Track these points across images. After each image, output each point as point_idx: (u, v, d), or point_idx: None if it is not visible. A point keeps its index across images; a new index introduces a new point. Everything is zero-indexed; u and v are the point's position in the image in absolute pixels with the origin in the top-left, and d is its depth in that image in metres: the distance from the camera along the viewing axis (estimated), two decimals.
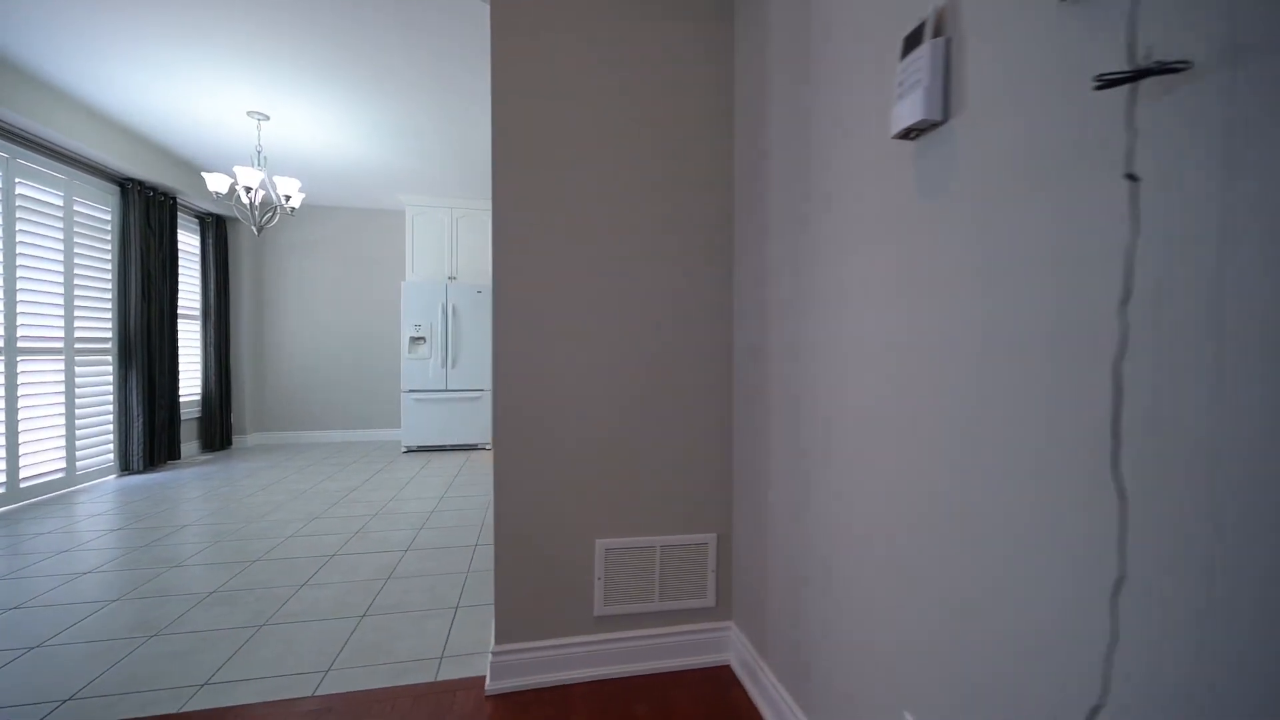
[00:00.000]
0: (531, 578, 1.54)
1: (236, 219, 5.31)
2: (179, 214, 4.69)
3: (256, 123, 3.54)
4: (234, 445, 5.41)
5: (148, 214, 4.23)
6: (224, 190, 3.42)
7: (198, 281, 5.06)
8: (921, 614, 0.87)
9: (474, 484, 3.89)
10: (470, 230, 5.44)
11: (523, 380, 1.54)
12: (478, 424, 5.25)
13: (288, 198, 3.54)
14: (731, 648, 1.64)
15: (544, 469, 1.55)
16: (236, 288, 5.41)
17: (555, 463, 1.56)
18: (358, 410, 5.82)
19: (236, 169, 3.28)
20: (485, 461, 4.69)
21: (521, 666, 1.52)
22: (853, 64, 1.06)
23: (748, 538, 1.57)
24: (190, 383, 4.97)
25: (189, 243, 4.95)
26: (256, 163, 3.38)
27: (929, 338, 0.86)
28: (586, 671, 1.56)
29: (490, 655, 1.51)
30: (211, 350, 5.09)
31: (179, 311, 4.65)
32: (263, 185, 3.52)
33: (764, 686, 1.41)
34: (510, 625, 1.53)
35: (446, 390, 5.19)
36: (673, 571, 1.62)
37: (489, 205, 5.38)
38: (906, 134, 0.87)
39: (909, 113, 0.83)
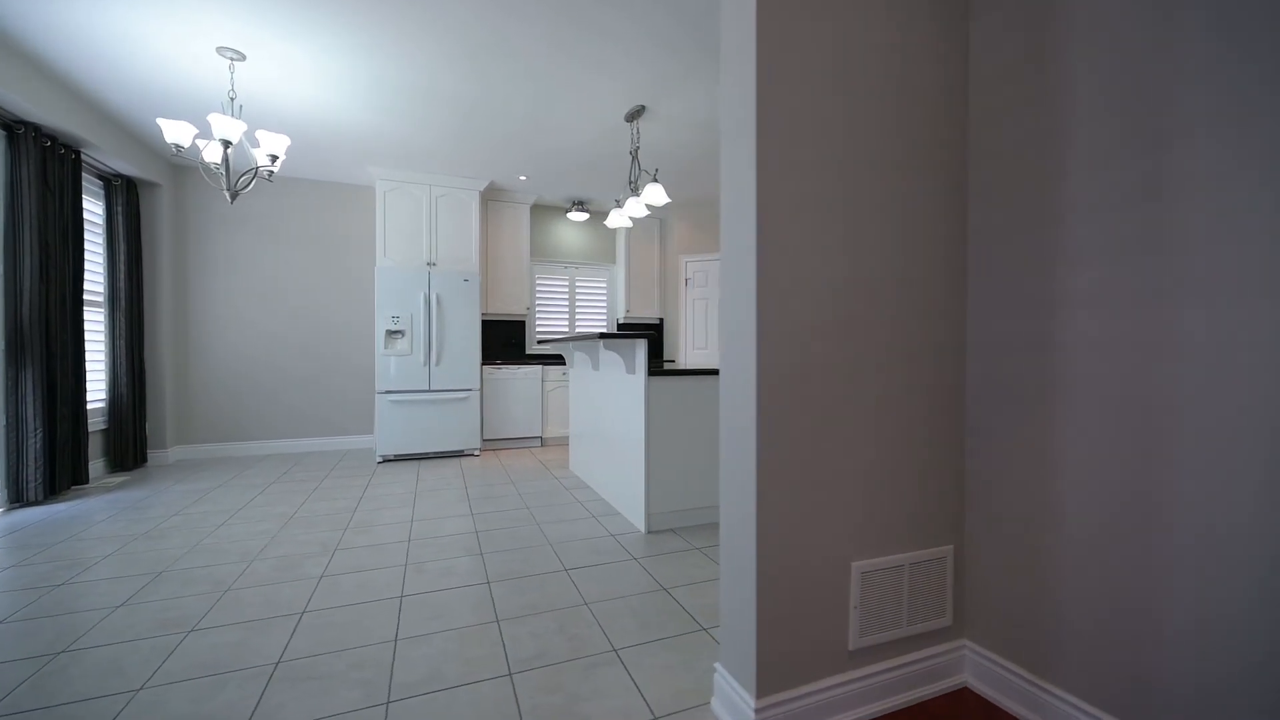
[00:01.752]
0: (788, 614, 1.31)
1: (152, 183, 4.30)
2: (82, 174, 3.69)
3: (229, 62, 2.83)
4: (150, 462, 4.40)
5: (45, 170, 3.27)
6: (185, 143, 2.69)
7: (102, 259, 4.03)
8: None
9: (493, 498, 3.44)
10: (451, 212, 4.86)
11: (782, 389, 1.29)
12: (464, 428, 4.71)
13: (273, 159, 2.87)
14: (966, 667, 1.52)
15: (800, 487, 1.32)
16: (153, 268, 4.39)
17: (812, 478, 1.33)
18: (320, 414, 5.00)
19: (213, 118, 2.59)
20: (481, 469, 4.21)
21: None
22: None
23: (998, 548, 1.45)
24: (95, 387, 3.95)
25: (92, 211, 3.93)
26: (231, 111, 2.69)
27: None
28: (846, 716, 1.35)
29: (753, 712, 1.26)
30: (121, 345, 4.09)
31: (84, 297, 3.67)
32: (235, 139, 2.80)
33: (1061, 712, 1.29)
34: (771, 674, 1.28)
35: (429, 391, 4.60)
36: (917, 591, 1.45)
37: (473, 185, 4.86)
38: None
39: None
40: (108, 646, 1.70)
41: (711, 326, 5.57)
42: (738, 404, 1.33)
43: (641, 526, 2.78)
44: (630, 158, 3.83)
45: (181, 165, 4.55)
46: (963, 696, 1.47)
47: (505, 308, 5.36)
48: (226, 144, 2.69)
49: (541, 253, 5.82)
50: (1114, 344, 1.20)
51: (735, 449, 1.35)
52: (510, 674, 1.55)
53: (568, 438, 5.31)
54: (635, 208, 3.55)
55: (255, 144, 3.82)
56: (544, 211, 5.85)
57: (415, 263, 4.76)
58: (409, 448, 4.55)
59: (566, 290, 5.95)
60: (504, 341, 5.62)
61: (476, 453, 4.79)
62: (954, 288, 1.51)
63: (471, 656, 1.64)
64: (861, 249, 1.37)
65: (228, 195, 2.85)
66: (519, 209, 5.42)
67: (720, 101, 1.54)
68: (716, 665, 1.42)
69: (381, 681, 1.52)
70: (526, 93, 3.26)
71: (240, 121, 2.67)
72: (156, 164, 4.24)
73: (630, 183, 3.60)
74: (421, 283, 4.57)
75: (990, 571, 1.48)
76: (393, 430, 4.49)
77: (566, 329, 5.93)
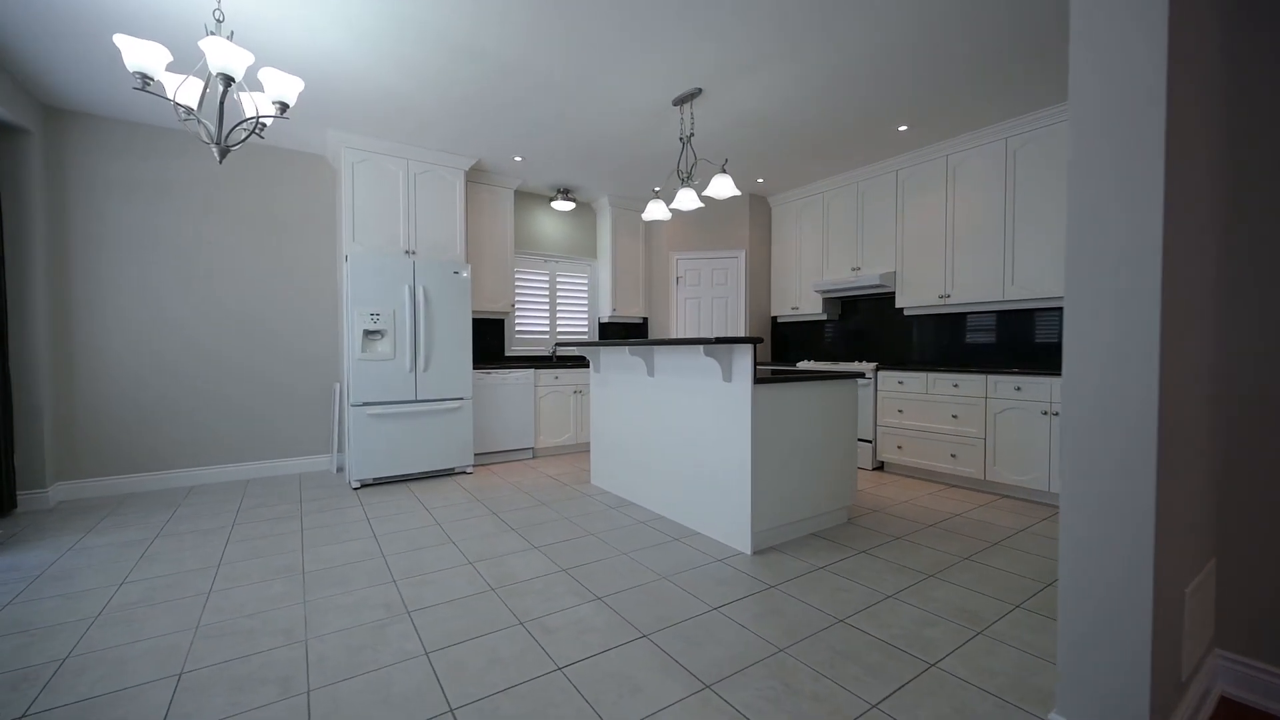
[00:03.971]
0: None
1: (14, 128, 3.17)
2: None
3: None
4: (21, 507, 3.25)
5: None
6: (154, 72, 1.93)
7: None
8: None
9: (539, 524, 3.00)
10: (432, 192, 4.20)
11: (1178, 422, 1.17)
12: (456, 442, 4.10)
13: (283, 107, 2.17)
14: (1220, 675, 1.53)
15: (1175, 520, 1.21)
16: (18, 247, 3.24)
17: (1174, 509, 1.22)
18: (268, 433, 4.06)
19: (207, 43, 1.89)
20: (489, 489, 3.68)
21: None
22: None
23: (1259, 555, 1.47)
24: None
25: None
26: (218, 32, 1.98)
27: None
28: None
29: None
30: None
31: None
32: (223, 79, 2.03)
33: None
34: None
35: (417, 401, 3.94)
36: (1197, 606, 1.42)
37: (459, 162, 4.26)
38: None
39: None
40: None
41: (704, 326, 5.44)
42: (1111, 440, 1.18)
43: (744, 547, 2.56)
44: (681, 144, 3.55)
45: (60, 108, 3.41)
46: (1221, 703, 1.47)
47: (485, 304, 4.77)
48: (228, 82, 1.99)
49: (521, 244, 5.28)
50: None
51: (1108, 490, 1.20)
52: None
53: (562, 448, 4.88)
54: (687, 199, 3.29)
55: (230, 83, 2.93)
56: (525, 199, 5.31)
57: (392, 251, 4.04)
58: (393, 468, 3.85)
59: (547, 286, 5.46)
60: (482, 343, 5.01)
61: (470, 470, 4.19)
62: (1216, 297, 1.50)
63: None
64: (1203, 253, 1.30)
65: (216, 153, 2.12)
66: (502, 194, 4.85)
67: (1081, 70, 1.35)
68: (1053, 718, 1.27)
69: None
70: (560, 55, 2.82)
71: (246, 51, 1.98)
72: (21, 101, 3.12)
73: (679, 172, 3.32)
74: (404, 274, 3.88)
75: (1247, 578, 1.49)
76: (373, 448, 3.76)
77: (547, 328, 5.44)
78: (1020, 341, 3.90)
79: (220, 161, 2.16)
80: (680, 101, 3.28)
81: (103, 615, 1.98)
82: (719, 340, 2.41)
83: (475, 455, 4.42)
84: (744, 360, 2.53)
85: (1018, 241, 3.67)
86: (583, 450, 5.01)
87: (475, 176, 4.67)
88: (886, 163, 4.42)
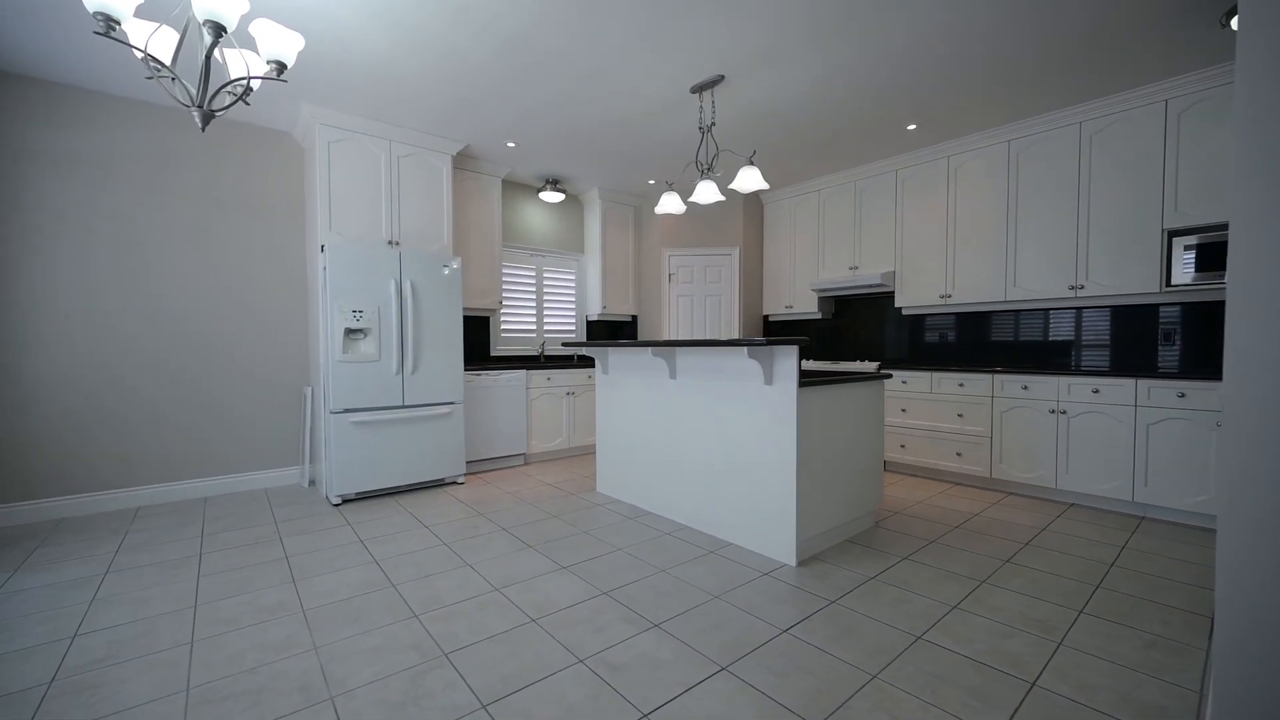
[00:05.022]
0: None
1: None
2: None
3: None
4: None
5: None
6: (120, 13, 1.58)
7: None
8: None
9: (557, 540, 2.78)
10: (417, 178, 3.86)
11: None
12: (448, 450, 3.79)
13: (280, 68, 1.84)
14: None
15: None
16: None
17: None
18: (226, 444, 3.60)
19: None
20: (488, 501, 3.41)
21: None
22: None
23: None
24: None
25: None
26: None
27: None
28: None
29: None
30: None
31: None
32: (211, 28, 1.66)
33: None
34: None
35: (404, 407, 3.60)
36: None
37: (447, 146, 3.96)
38: None
39: None
40: None
41: (697, 325, 5.31)
42: None
43: (788, 558, 2.43)
44: (701, 133, 3.37)
45: None
46: None
47: (471, 301, 4.45)
48: (218, 32, 1.65)
49: (508, 237, 4.97)
50: None
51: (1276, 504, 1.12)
52: None
53: (555, 453, 4.64)
54: (707, 191, 3.12)
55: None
56: (512, 189, 4.99)
57: (375, 241, 3.67)
58: (379, 481, 3.49)
59: (534, 281, 5.17)
60: (467, 342, 4.67)
61: (462, 479, 3.88)
62: None
63: None
64: None
65: (197, 117, 1.77)
66: (489, 182, 4.53)
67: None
68: None
69: None
70: (572, 29, 2.58)
71: None
72: None
73: (698, 163, 3.15)
74: (390, 268, 3.52)
75: None
76: (356, 460, 3.40)
77: (534, 326, 5.15)
78: (1021, 341, 3.98)
79: (203, 129, 1.82)
80: (700, 89, 3.12)
81: (57, 682, 1.61)
82: (763, 341, 2.27)
83: (466, 464, 4.11)
84: (788, 362, 2.40)
85: (1020, 244, 3.74)
86: (577, 455, 4.77)
87: (462, 163, 4.34)
88: (886, 162, 4.42)
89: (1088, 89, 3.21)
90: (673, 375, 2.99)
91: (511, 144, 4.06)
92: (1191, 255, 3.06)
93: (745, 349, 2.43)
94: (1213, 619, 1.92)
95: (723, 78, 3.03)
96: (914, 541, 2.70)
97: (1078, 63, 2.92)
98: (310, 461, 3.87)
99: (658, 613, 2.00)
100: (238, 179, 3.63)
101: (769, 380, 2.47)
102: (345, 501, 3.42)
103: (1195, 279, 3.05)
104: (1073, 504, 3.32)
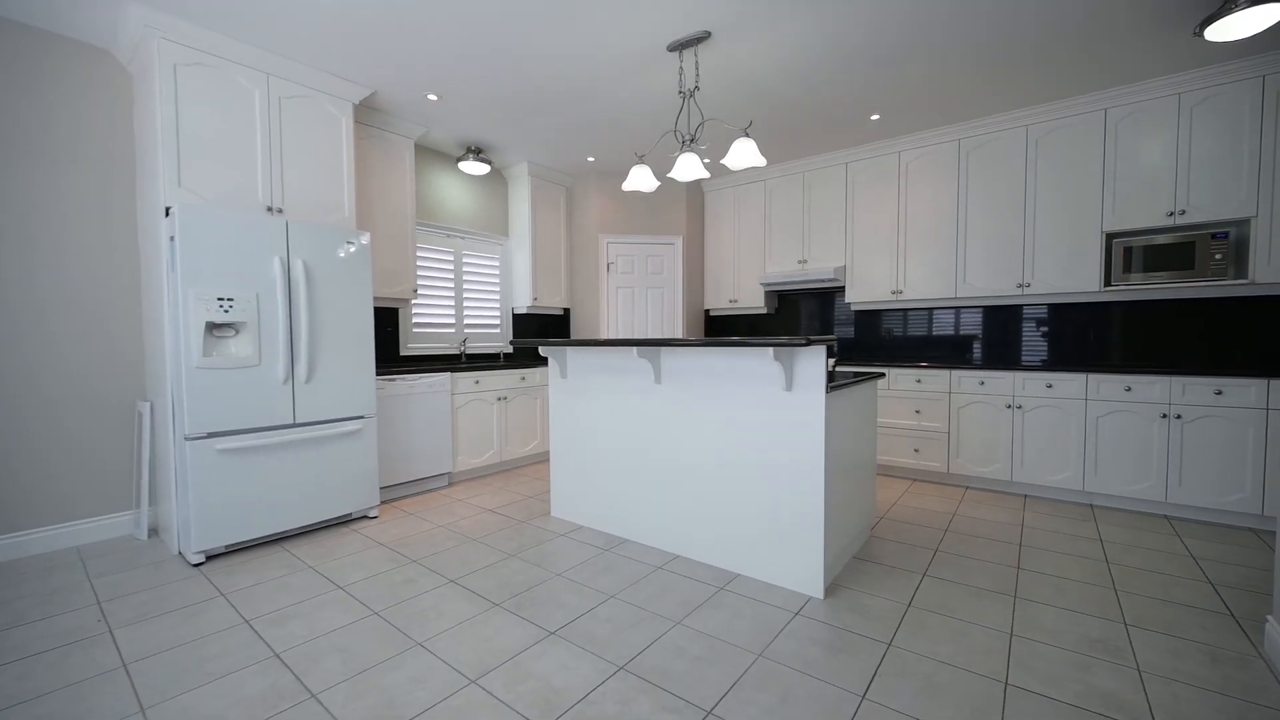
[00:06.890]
0: None
1: None
2: None
3: None
4: None
5: None
6: None
7: None
8: None
9: (528, 592, 2.21)
10: (305, 127, 2.99)
11: None
12: (356, 477, 2.98)
13: None
14: None
15: None
16: None
17: None
18: (10, 485, 2.47)
19: None
20: (417, 542, 2.71)
21: None
22: None
23: None
24: None
25: None
26: None
27: None
28: None
29: None
30: None
31: None
32: None
33: None
34: None
35: (295, 426, 2.74)
36: None
37: (348, 91, 3.18)
38: None
39: None
40: None
41: (639, 320, 4.88)
42: None
43: (814, 590, 2.11)
44: (682, 98, 2.91)
45: None
46: None
47: (379, 289, 3.61)
48: None
49: (421, 213, 4.14)
50: None
51: None
52: None
53: (484, 469, 3.99)
54: (688, 167, 2.69)
55: None
56: (426, 156, 4.16)
57: (249, 206, 2.75)
58: (261, 527, 2.62)
59: (452, 267, 4.38)
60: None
61: (374, 513, 3.08)
62: None
63: None
64: None
65: None
66: (400, 143, 3.70)
67: None
68: None
69: None
70: None
71: None
72: None
73: (677, 133, 2.71)
74: (272, 243, 2.64)
75: None
76: (225, 500, 2.50)
77: (453, 320, 4.38)
78: (971, 337, 4.08)
79: None
80: (679, 46, 2.68)
81: None
82: (787, 342, 1.91)
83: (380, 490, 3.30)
84: (814, 364, 2.07)
85: (969, 242, 3.80)
86: (510, 469, 4.12)
87: (366, 117, 3.48)
88: (836, 154, 4.32)
89: (1037, 93, 3.29)
90: (658, 380, 2.53)
91: (434, 96, 3.30)
92: (1129, 257, 3.25)
93: (770, 350, 2.05)
94: (1237, 621, 1.92)
95: (709, 35, 2.62)
96: (917, 553, 2.53)
97: (1027, 68, 2.93)
98: (150, 504, 2.84)
99: (702, 691, 1.55)
100: (27, 112, 2.51)
101: (788, 386, 2.12)
102: (211, 559, 2.51)
103: (1133, 279, 3.25)
104: (1028, 495, 3.42)
